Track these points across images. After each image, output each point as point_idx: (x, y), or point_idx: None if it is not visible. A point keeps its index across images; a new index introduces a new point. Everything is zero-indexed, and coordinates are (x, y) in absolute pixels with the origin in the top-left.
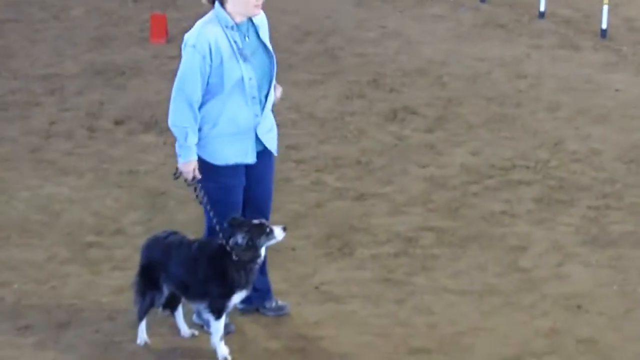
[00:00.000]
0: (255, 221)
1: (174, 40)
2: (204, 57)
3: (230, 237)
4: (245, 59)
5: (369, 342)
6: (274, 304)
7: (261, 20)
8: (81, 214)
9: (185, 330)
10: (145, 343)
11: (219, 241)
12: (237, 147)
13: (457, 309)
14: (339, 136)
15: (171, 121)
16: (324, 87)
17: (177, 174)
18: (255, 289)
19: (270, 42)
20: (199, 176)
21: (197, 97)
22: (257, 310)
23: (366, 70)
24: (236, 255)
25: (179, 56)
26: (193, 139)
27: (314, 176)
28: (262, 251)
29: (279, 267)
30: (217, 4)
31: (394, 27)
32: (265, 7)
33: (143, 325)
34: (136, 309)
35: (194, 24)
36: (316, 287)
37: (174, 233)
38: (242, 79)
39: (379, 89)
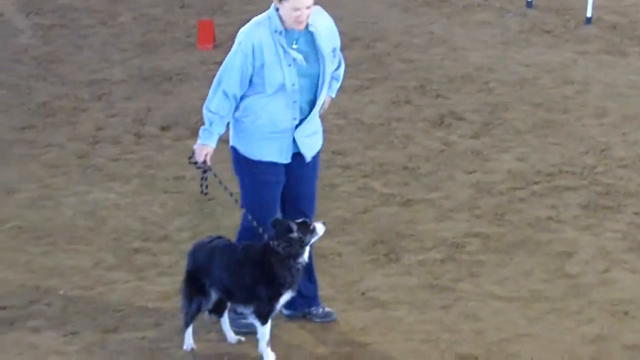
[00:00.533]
0: (299, 220)
1: (221, 45)
2: (246, 56)
3: (272, 236)
4: (289, 65)
5: (415, 349)
6: (320, 310)
7: (323, 27)
8: (127, 219)
9: (231, 336)
10: (192, 349)
11: (263, 242)
12: (273, 146)
13: (503, 315)
14: (386, 142)
15: (205, 104)
16: (371, 92)
17: (191, 157)
18: (302, 295)
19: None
20: (209, 163)
21: (235, 91)
22: (304, 316)
23: (413, 76)
24: (282, 249)
25: None
26: (219, 127)
27: (361, 182)
28: (306, 250)
29: (325, 273)
30: (272, 5)
31: (441, 33)
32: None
33: (189, 331)
34: (182, 315)
35: (240, 29)
36: (362, 293)
37: (219, 237)
38: (284, 84)
39: (426, 95)
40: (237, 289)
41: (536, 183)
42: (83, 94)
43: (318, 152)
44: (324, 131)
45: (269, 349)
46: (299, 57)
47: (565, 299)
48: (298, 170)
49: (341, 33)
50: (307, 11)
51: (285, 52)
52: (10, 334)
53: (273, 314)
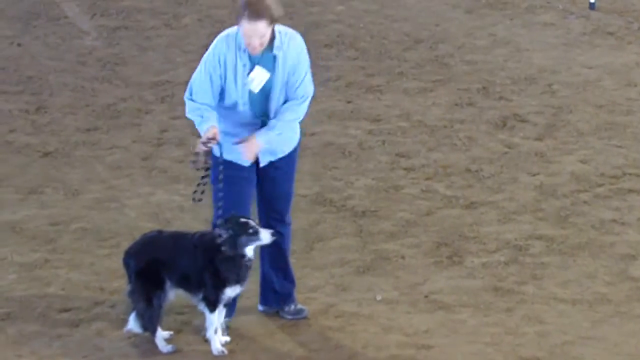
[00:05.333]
0: (242, 220)
1: None
2: (214, 67)
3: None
4: (244, 84)
5: (478, 351)
6: (292, 307)
7: (290, 55)
8: (192, 222)
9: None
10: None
11: (213, 234)
12: (234, 147)
13: (567, 318)
14: (449, 144)
15: (187, 113)
16: (434, 94)
17: (195, 161)
18: (275, 292)
19: (375, 52)
20: (218, 139)
21: (207, 100)
22: (277, 312)
23: (476, 78)
24: (224, 249)
25: None
26: (210, 116)
27: (424, 184)
28: (247, 251)
29: (388, 276)
30: None
31: (504, 34)
32: (375, 15)
33: (160, 334)
34: (145, 320)
35: (304, 31)
36: (426, 296)
37: (159, 231)
38: (237, 103)
39: (489, 97)
40: (192, 272)
41: (600, 185)
42: (147, 96)
43: (291, 155)
44: (388, 134)
45: (217, 337)
46: (264, 76)
47: (629, 301)
48: (270, 170)
49: (404, 35)
50: (259, 40)
51: (244, 70)
52: (75, 335)
53: (220, 303)
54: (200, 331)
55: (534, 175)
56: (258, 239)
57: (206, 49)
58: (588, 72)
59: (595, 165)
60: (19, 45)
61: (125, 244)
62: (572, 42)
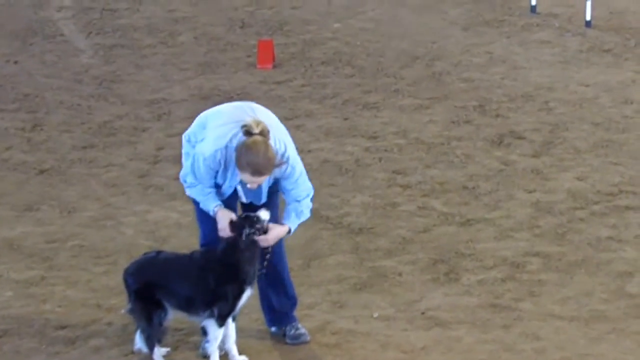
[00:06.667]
0: (241, 217)
1: (281, 65)
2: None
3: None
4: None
5: None
6: (292, 332)
7: (277, 172)
8: (189, 239)
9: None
10: None
11: (229, 240)
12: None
13: (564, 335)
14: (446, 161)
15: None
16: (431, 112)
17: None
18: (274, 310)
19: (372, 69)
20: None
21: (207, 182)
22: (284, 335)
23: (472, 95)
24: (247, 249)
25: (286, 81)
26: (211, 194)
27: (421, 201)
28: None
29: (385, 293)
30: (240, 138)
31: (500, 52)
32: (372, 33)
33: (157, 352)
34: (144, 338)
35: (301, 49)
36: (422, 313)
37: (160, 252)
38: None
39: (486, 114)
40: (199, 294)
41: (596, 203)
42: (143, 114)
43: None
44: (385, 151)
45: (217, 352)
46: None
47: (626, 319)
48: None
49: (401, 52)
50: (258, 184)
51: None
52: (72, 352)
53: (231, 315)
54: (197, 348)
55: (530, 192)
56: (261, 220)
57: (202, 67)
58: (584, 90)
59: (592, 182)
60: (15, 63)
61: (122, 262)
62: (568, 59)
